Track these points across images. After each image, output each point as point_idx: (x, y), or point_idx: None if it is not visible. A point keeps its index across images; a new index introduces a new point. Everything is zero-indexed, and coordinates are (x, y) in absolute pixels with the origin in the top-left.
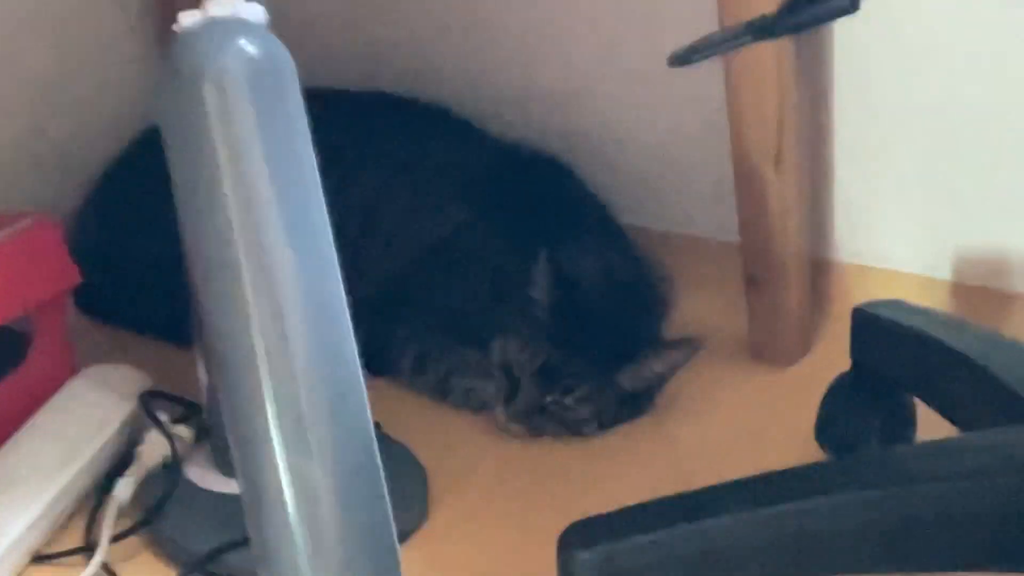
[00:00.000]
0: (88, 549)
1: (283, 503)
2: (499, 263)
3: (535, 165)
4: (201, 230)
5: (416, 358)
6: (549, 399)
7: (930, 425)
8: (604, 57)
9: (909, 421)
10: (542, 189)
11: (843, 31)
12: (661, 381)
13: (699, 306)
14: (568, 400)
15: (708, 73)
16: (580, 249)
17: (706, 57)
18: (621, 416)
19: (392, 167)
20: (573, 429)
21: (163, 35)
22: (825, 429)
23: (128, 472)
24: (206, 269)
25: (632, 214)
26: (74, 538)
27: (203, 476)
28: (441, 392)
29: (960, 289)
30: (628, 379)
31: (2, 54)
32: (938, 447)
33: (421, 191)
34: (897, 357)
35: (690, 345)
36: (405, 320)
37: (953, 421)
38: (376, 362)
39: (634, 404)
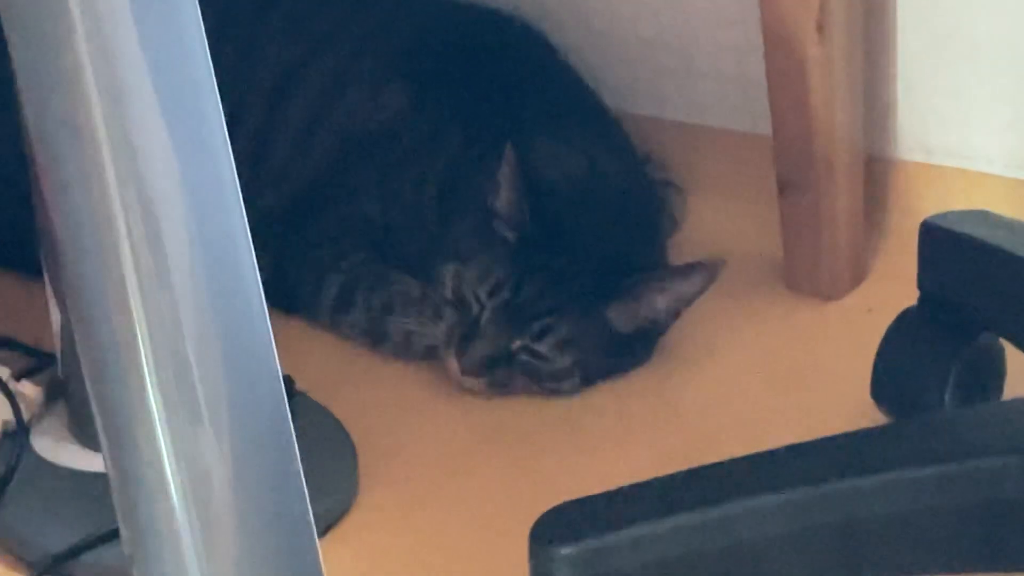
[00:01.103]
0: None
1: (164, 483)
2: (450, 161)
3: (496, 30)
4: (49, 124)
5: (340, 290)
6: (517, 344)
7: (1022, 375)
8: None
9: (994, 371)
10: (506, 63)
11: None
12: (665, 320)
13: (718, 219)
14: (541, 346)
15: None
16: (557, 143)
17: None
18: (612, 366)
19: (308, 35)
20: (549, 384)
21: None
22: (884, 384)
23: None
24: (57, 174)
25: (630, 99)
26: None
27: (56, 448)
28: (373, 335)
29: None
30: (621, 317)
31: None
32: None
33: (346, 67)
34: (980, 286)
35: (703, 272)
36: (325, 239)
37: None
38: (287, 295)
39: (629, 351)
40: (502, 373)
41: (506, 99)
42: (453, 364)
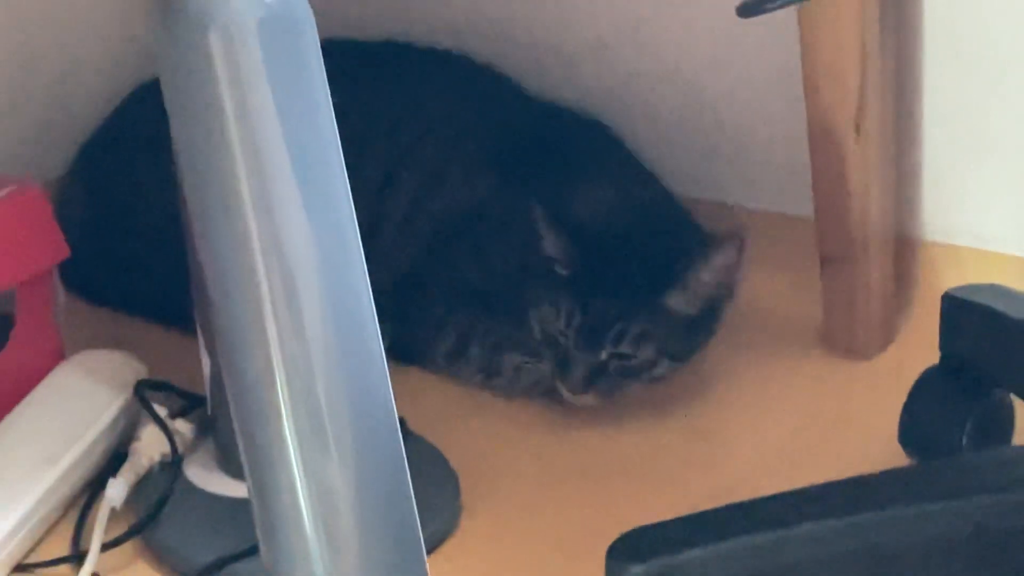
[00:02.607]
0: (76, 558)
1: (297, 508)
2: (525, 231)
3: (568, 123)
4: (204, 197)
5: (456, 339)
6: (604, 354)
7: None
8: (661, 2)
9: (1006, 422)
10: (573, 150)
11: None
12: (722, 292)
13: (767, 289)
14: (624, 348)
15: (781, 24)
16: (585, 186)
17: (780, 6)
18: (692, 343)
19: (413, 130)
20: (645, 375)
21: None
22: (910, 431)
23: (121, 471)
24: (209, 238)
25: (691, 184)
26: (61, 546)
27: (206, 477)
28: (488, 374)
29: None
30: (681, 301)
31: None
32: None
33: (443, 161)
34: (993, 349)
35: (731, 240)
36: (435, 303)
37: None
38: (405, 348)
39: (703, 326)
40: (604, 383)
41: (568, 177)
42: (564, 390)
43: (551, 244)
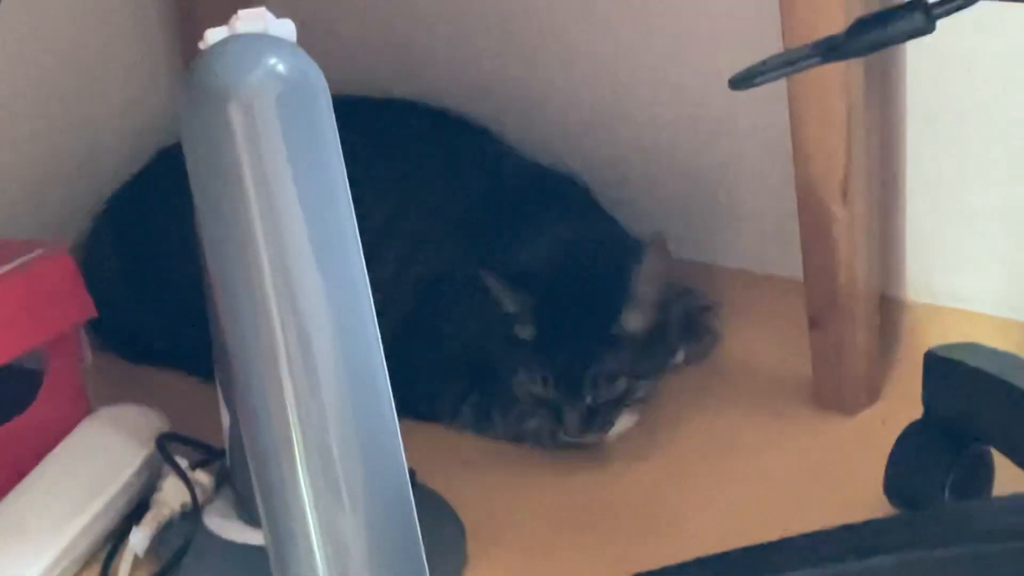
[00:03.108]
0: None
1: (312, 556)
2: (483, 295)
3: (535, 180)
4: (224, 257)
5: (476, 411)
6: (588, 399)
7: (1008, 479)
8: (657, 78)
9: (985, 474)
10: (530, 204)
11: (915, 54)
12: (667, 296)
13: (759, 348)
14: (603, 388)
15: (770, 97)
16: (532, 235)
17: (769, 80)
18: (659, 358)
19: (391, 205)
20: (634, 399)
21: (185, 53)
22: (894, 482)
23: (144, 520)
24: (229, 299)
25: (686, 247)
26: None
27: (224, 525)
28: (516, 438)
29: None
30: (634, 320)
31: (10, 71)
32: (1016, 502)
33: (425, 226)
34: (973, 405)
35: (654, 242)
36: (428, 358)
37: None
38: (419, 407)
39: (662, 339)
40: (598, 419)
41: (517, 231)
42: (568, 440)
43: (508, 302)
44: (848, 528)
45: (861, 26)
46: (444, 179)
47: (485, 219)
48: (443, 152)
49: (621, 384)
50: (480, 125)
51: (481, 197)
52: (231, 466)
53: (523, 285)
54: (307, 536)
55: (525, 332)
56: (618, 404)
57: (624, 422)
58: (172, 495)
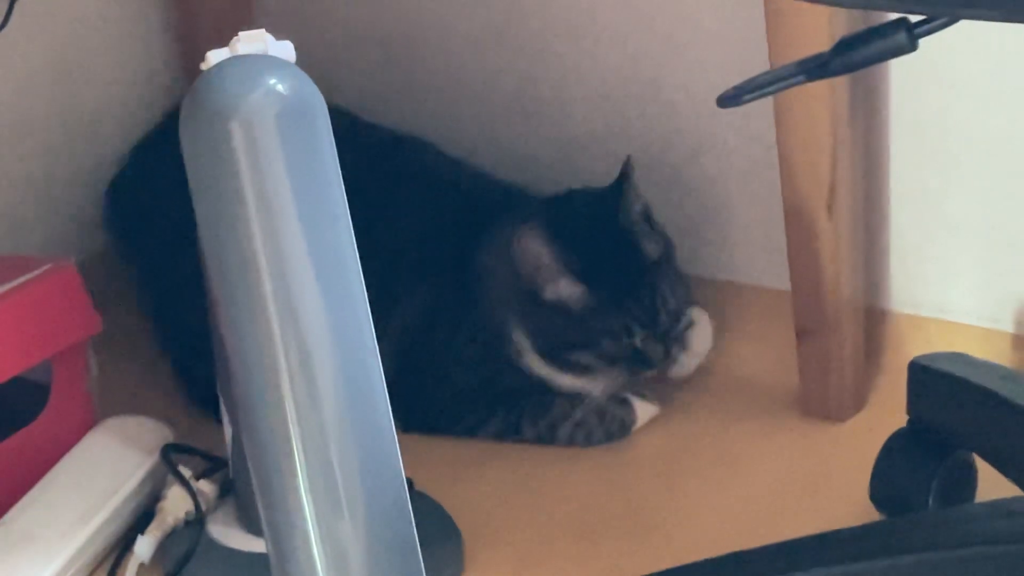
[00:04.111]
0: None
1: (312, 562)
2: (475, 321)
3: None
4: (226, 275)
5: (504, 423)
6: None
7: (991, 485)
8: (647, 95)
9: (969, 481)
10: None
11: (899, 71)
12: (648, 215)
13: (747, 358)
14: (672, 317)
15: (757, 113)
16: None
17: (756, 97)
18: (687, 286)
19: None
20: (684, 325)
21: (187, 71)
22: (880, 489)
23: (149, 529)
24: (231, 314)
25: (680, 261)
26: None
27: (227, 534)
28: (550, 439)
29: (1023, 341)
30: (651, 245)
31: (16, 94)
32: (999, 508)
33: (392, 277)
34: (956, 413)
35: (625, 164)
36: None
37: (1015, 480)
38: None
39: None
40: (675, 346)
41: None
42: (653, 371)
43: (551, 269)
44: (835, 534)
45: (845, 45)
46: (402, 222)
47: (458, 247)
48: (401, 195)
49: (679, 310)
50: (423, 140)
51: (442, 230)
52: (234, 476)
53: (583, 264)
54: (307, 544)
55: (573, 298)
56: (678, 326)
57: (648, 411)
58: (176, 504)
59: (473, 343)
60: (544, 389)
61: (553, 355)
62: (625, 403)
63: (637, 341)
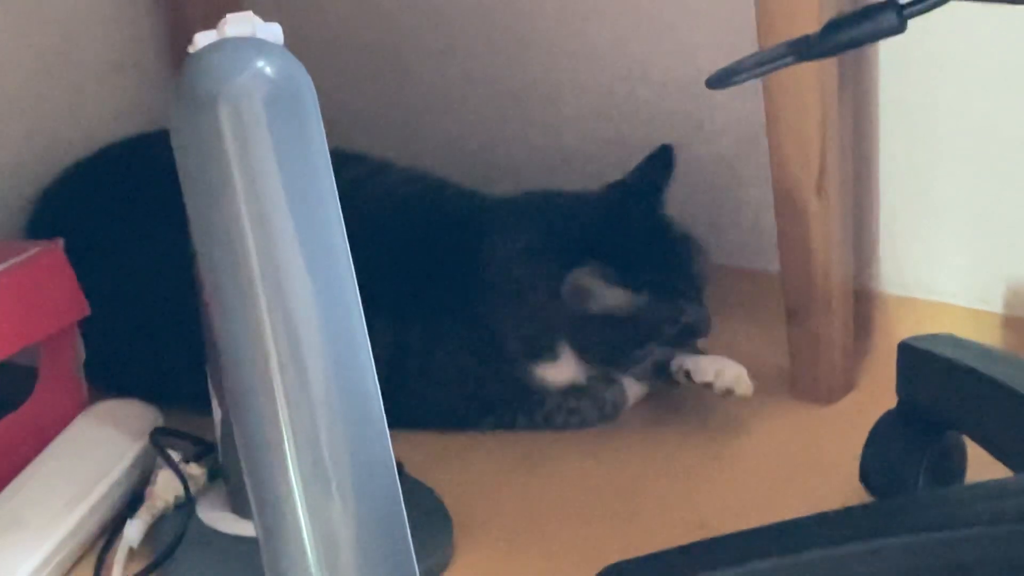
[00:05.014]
0: None
1: (302, 547)
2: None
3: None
4: (214, 257)
5: (501, 421)
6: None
7: (980, 466)
8: (635, 75)
9: (958, 462)
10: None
11: (888, 52)
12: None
13: (737, 340)
14: (700, 282)
15: (746, 94)
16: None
17: (746, 79)
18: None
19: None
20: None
21: (175, 57)
22: (869, 470)
23: (139, 513)
24: (219, 298)
25: None
26: None
27: (217, 517)
28: (545, 426)
29: (1012, 322)
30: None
31: (2, 76)
32: (989, 489)
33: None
34: (946, 394)
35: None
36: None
37: (1005, 461)
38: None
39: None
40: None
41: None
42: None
43: (620, 302)
44: (824, 516)
45: (835, 26)
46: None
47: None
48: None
49: (705, 274)
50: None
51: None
52: (223, 459)
53: (622, 269)
54: (297, 528)
55: (630, 306)
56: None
57: (637, 391)
58: (166, 488)
59: (467, 354)
60: (541, 391)
61: (614, 359)
62: (615, 384)
63: (689, 317)
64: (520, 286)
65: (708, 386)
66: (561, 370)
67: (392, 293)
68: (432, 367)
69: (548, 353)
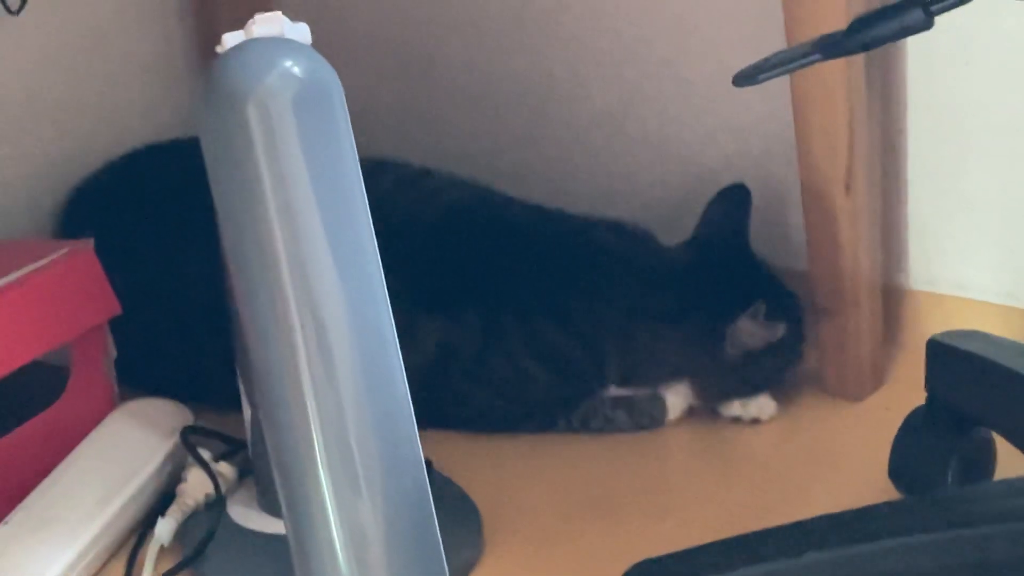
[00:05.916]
0: None
1: (331, 544)
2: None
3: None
4: (243, 256)
5: (541, 422)
6: None
7: (1010, 462)
8: (662, 74)
9: (988, 458)
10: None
11: (916, 48)
12: None
13: None
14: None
15: (774, 91)
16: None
17: (773, 76)
18: None
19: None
20: None
21: (204, 56)
22: (899, 467)
23: (169, 511)
24: (248, 294)
25: None
26: None
27: (247, 515)
28: (581, 429)
29: None
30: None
31: (32, 77)
32: (1018, 486)
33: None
34: (975, 391)
35: (743, 197)
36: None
37: None
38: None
39: None
40: None
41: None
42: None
43: (770, 331)
44: (853, 513)
45: (862, 23)
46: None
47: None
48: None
49: None
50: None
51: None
52: (253, 458)
53: (777, 309)
54: (326, 525)
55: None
56: None
57: (679, 406)
58: (196, 486)
59: (534, 362)
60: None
61: (758, 384)
62: (658, 398)
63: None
64: (661, 327)
65: (736, 420)
66: (624, 388)
67: (442, 295)
68: (483, 371)
69: (654, 384)
